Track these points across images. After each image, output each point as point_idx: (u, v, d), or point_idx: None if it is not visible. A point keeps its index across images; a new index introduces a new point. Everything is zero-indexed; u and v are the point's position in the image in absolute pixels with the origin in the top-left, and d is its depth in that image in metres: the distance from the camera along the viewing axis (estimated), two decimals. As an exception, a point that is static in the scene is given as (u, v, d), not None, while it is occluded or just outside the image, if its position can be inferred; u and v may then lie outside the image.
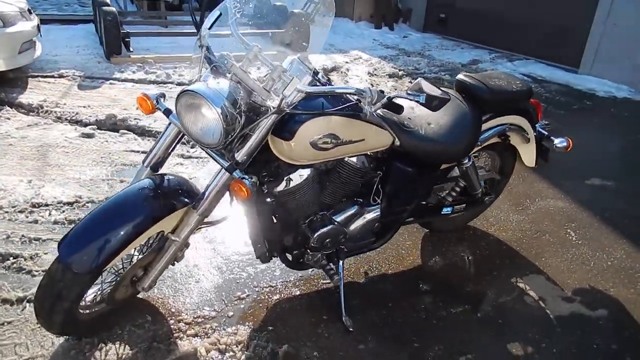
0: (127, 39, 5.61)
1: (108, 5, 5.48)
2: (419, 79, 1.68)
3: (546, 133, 2.47)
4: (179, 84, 5.00)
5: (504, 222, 2.82)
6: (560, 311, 2.14)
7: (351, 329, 1.94)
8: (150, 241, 1.72)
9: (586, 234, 2.75)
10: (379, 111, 1.75)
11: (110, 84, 4.82)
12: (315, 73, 1.64)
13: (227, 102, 1.46)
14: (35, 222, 2.45)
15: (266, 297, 2.10)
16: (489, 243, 2.63)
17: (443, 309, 2.11)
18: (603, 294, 2.26)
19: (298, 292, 2.15)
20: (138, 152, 3.40)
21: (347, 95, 1.62)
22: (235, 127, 1.49)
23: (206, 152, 1.63)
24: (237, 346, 1.82)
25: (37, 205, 2.59)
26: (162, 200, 1.60)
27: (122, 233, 1.50)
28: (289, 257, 2.00)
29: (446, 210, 2.35)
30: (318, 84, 1.64)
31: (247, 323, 1.95)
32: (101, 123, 3.80)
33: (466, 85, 2.21)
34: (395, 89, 5.43)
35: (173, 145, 1.77)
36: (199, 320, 1.94)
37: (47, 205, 2.60)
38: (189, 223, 1.67)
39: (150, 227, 1.56)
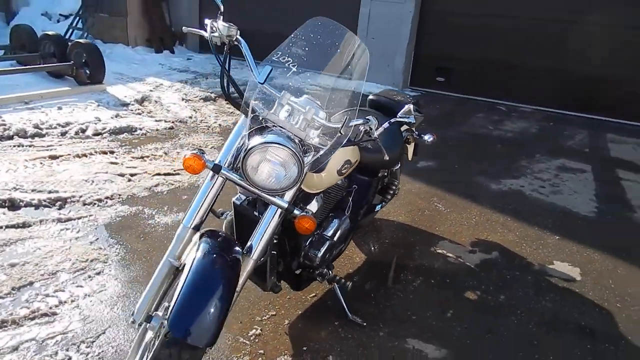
0: None
1: None
2: (408, 104, 2.10)
3: (417, 132, 3.17)
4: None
5: (392, 209, 3.45)
6: (474, 261, 2.87)
7: (364, 324, 2.24)
8: None
9: (447, 203, 3.62)
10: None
11: None
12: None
13: (296, 146, 1.60)
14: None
15: (277, 325, 2.21)
16: (396, 227, 3.22)
17: (409, 285, 2.59)
18: (486, 242, 3.10)
19: (299, 311, 2.31)
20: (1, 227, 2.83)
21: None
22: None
23: (266, 199, 1.69)
24: (292, 374, 1.93)
25: None
26: (229, 258, 1.60)
27: (221, 299, 1.46)
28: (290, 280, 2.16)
29: (378, 207, 2.82)
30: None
31: (282, 353, 2.04)
32: None
33: (381, 102, 2.71)
34: (217, 113, 5.61)
35: (213, 202, 1.74)
36: (240, 367, 1.94)
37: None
38: (245, 270, 1.71)
39: (235, 287, 1.56)
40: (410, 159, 3.17)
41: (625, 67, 6.11)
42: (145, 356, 1.76)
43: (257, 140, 1.59)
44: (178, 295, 1.42)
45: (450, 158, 4.62)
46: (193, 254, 1.56)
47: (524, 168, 4.48)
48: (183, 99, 6.01)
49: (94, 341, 2.03)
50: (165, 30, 8.58)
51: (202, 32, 1.89)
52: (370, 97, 2.79)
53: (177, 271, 1.70)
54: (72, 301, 2.27)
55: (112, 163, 3.90)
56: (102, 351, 1.97)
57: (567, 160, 4.78)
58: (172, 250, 1.68)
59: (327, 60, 1.86)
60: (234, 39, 1.80)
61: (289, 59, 1.75)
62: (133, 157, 4.06)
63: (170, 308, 1.41)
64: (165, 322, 1.62)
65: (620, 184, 4.25)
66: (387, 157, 2.25)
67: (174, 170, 3.87)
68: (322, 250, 2.09)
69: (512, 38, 6.65)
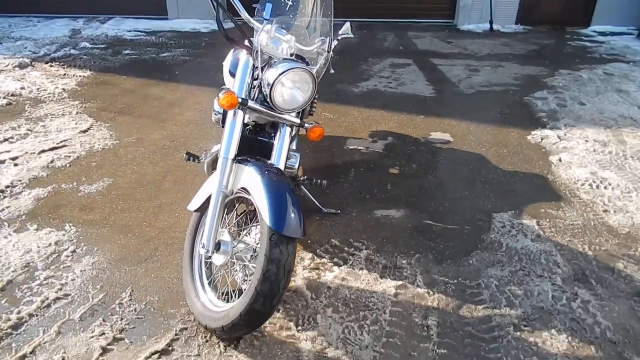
0: None
1: None
2: (347, 22, 2.47)
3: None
4: None
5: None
6: (380, 147, 3.55)
7: (339, 211, 2.75)
8: None
9: (331, 110, 4.20)
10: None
11: None
12: None
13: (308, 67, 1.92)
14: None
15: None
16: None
17: (347, 176, 3.14)
18: (379, 132, 3.81)
19: (284, 220, 2.69)
20: None
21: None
22: (313, 84, 1.96)
23: (285, 119, 1.98)
24: (320, 257, 2.36)
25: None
26: (276, 171, 1.89)
27: (293, 200, 1.76)
28: None
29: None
30: None
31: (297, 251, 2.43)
32: None
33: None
34: (48, 77, 5.05)
35: (241, 132, 1.94)
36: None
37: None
38: None
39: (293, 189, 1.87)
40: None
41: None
42: (206, 282, 1.99)
43: (275, 71, 1.85)
44: (268, 205, 1.70)
45: (308, 75, 5.14)
46: (251, 176, 1.81)
47: (367, 71, 5.29)
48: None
49: (130, 298, 2.11)
50: None
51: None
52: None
53: (225, 198, 1.92)
54: (73, 280, 2.23)
55: (-25, 153, 3.41)
56: (148, 301, 2.09)
57: (392, 58, 5.75)
58: (220, 182, 1.88)
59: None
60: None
61: (282, -6, 1.98)
62: (-5, 142, 3.58)
63: (268, 215, 1.68)
64: (236, 243, 1.89)
65: (437, 69, 5.39)
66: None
67: (57, 143, 3.58)
68: (297, 161, 2.46)
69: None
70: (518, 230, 2.57)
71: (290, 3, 2.05)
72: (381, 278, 2.23)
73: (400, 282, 2.20)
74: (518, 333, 1.92)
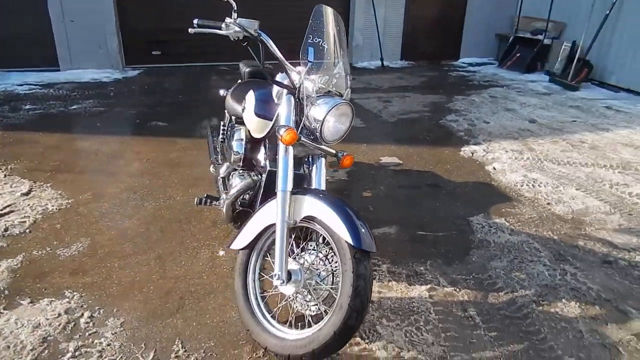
0: None
1: None
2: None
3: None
4: None
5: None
6: (342, 176, 3.82)
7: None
8: None
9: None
10: None
11: None
12: None
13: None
14: None
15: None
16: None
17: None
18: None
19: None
20: None
21: None
22: (348, 117, 2.16)
23: (325, 150, 2.14)
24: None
25: None
26: (329, 193, 2.04)
27: (360, 216, 1.92)
28: None
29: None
30: None
31: (321, 275, 2.55)
32: None
33: (257, 72, 3.16)
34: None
35: (293, 166, 2.04)
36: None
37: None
38: None
39: None
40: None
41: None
42: (269, 316, 2.05)
43: (321, 108, 2.03)
44: (344, 226, 1.83)
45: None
46: (314, 204, 1.94)
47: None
48: None
49: (184, 349, 2.05)
50: None
51: (218, 31, 2.04)
52: (247, 70, 3.19)
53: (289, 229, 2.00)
54: (109, 344, 2.07)
55: None
56: (206, 348, 2.05)
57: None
58: (283, 214, 1.96)
59: (330, 33, 2.27)
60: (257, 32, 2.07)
61: (319, 39, 2.16)
62: None
63: (347, 235, 1.82)
64: (304, 271, 2.00)
65: (354, 102, 5.89)
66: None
67: (1, 210, 3.21)
68: None
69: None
70: (496, 229, 3.01)
71: (326, 47, 2.24)
72: (410, 285, 2.47)
73: (428, 286, 2.45)
74: (540, 307, 2.29)
